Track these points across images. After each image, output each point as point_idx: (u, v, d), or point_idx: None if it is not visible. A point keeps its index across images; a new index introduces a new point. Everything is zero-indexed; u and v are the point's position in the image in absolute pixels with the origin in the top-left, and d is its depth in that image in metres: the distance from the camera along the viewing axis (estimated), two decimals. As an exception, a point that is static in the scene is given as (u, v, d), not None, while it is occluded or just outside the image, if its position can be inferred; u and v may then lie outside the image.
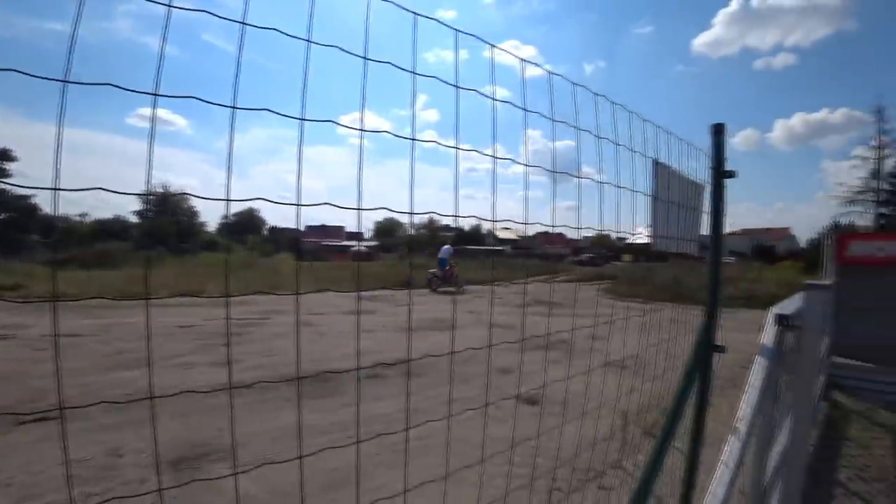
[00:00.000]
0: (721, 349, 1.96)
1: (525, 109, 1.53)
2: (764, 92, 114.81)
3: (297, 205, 1.14)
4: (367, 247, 70.64)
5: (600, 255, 61.51)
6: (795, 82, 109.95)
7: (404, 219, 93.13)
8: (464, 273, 21.52)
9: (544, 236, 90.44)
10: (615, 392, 5.01)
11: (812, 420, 4.52)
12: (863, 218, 27.34)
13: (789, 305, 1.79)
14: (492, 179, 1.61)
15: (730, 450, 1.07)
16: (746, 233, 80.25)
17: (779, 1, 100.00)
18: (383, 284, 19.76)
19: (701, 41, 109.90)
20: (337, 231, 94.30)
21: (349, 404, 5.42)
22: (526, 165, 1.63)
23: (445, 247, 21.34)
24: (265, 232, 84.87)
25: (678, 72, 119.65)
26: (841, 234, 6.52)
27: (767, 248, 62.30)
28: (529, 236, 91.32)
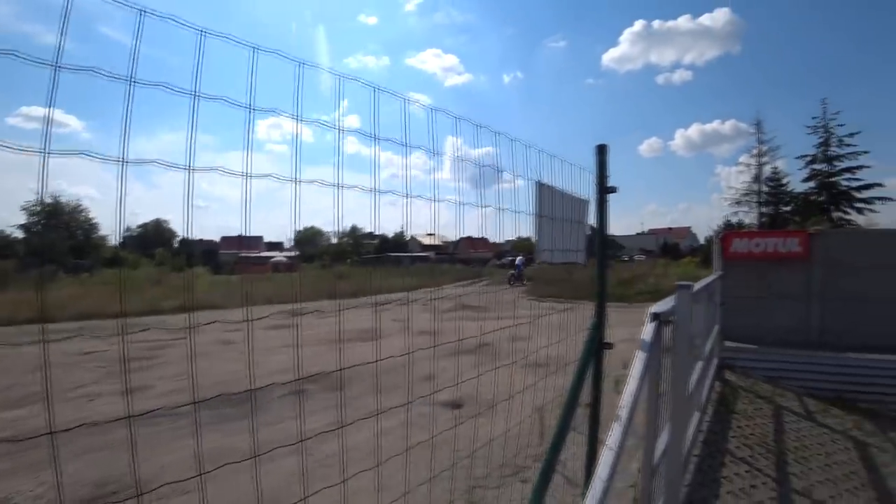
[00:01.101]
0: (609, 346, 2.17)
1: (375, 137, 1.63)
2: (665, 104, 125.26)
3: (187, 168, 1.14)
4: (287, 257, 68.28)
5: (524, 257, 63.71)
6: (692, 96, 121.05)
7: (327, 227, 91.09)
8: (388, 281, 21.45)
9: (469, 241, 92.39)
10: (533, 389, 5.27)
11: (707, 398, 5.03)
12: (748, 216, 30.53)
13: (665, 304, 2.03)
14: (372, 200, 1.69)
15: (612, 434, 1.22)
16: (653, 232, 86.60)
17: (675, 24, 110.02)
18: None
19: (609, 56, 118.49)
20: (255, 242, 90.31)
21: (272, 423, 5.27)
22: (378, 192, 1.73)
23: (520, 257, 28.52)
24: (175, 244, 79.49)
25: (589, 84, 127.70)
26: (725, 233, 7.31)
27: (673, 246, 67.54)
28: (454, 241, 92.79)
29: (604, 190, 2.30)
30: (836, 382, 6.16)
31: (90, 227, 46.70)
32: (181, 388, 6.71)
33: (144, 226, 77.19)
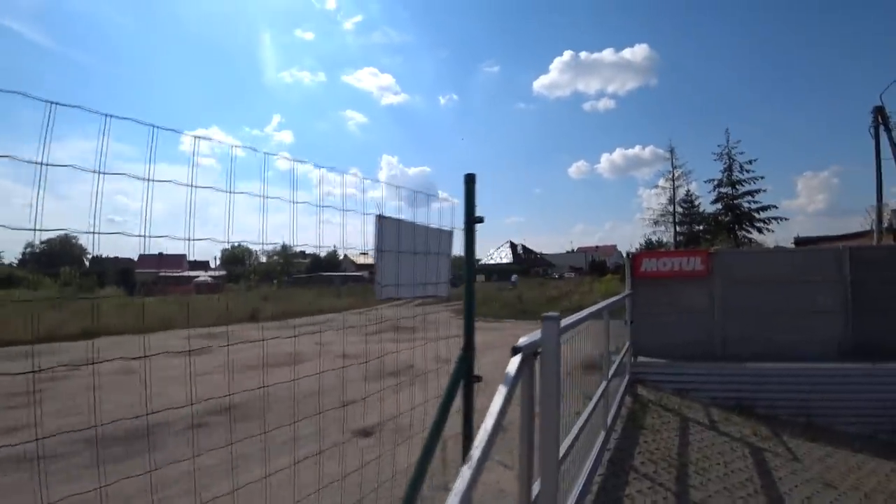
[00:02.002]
0: (478, 378, 2.09)
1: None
2: (591, 129, 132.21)
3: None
4: (212, 277, 64.89)
5: (457, 276, 64.17)
6: (615, 123, 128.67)
7: (256, 246, 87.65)
8: (316, 301, 20.77)
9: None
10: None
11: (616, 415, 5.11)
12: (666, 235, 32.60)
13: (532, 336, 1.96)
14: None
15: (460, 476, 1.10)
16: (582, 250, 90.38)
17: (601, 56, 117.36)
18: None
19: (540, 83, 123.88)
20: (177, 260, 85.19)
21: (168, 461, 4.78)
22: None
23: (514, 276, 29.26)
24: (86, 263, 73.25)
25: (521, 108, 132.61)
26: (635, 254, 7.63)
27: (600, 263, 70.71)
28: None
29: (472, 220, 2.24)
30: (737, 391, 6.52)
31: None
32: (69, 424, 5.98)
33: (49, 241, 70.23)
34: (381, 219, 2.04)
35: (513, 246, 78.17)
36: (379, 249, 2.03)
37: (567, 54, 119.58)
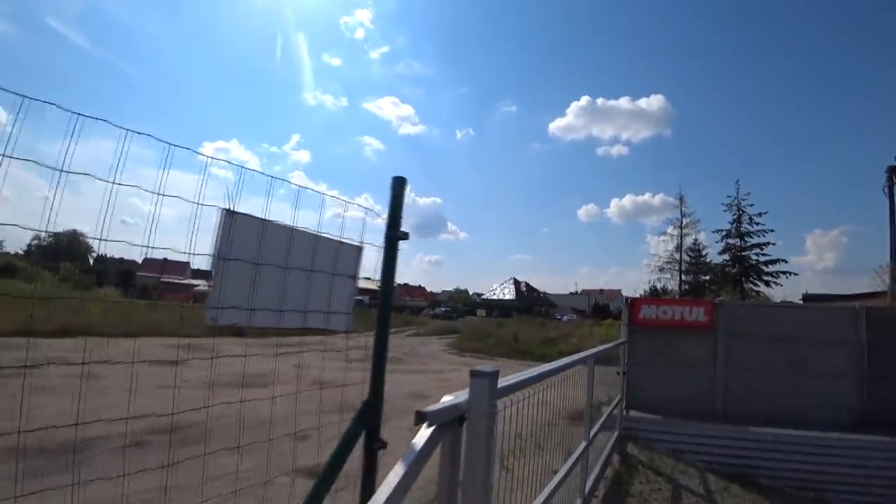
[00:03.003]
0: (382, 444, 1.60)
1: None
2: (603, 174, 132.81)
3: None
4: (210, 286, 64.39)
5: (456, 308, 63.48)
6: (627, 169, 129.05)
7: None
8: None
9: (405, 288, 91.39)
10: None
11: (599, 478, 4.50)
12: (670, 283, 31.90)
13: (458, 396, 1.45)
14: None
15: None
16: (586, 293, 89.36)
17: (617, 104, 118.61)
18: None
19: (556, 125, 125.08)
20: (181, 267, 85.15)
21: (84, 482, 4.22)
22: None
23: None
24: (91, 261, 73.15)
25: (535, 148, 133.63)
26: (633, 299, 7.09)
27: (604, 307, 69.63)
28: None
29: (395, 235, 1.78)
30: (738, 457, 5.88)
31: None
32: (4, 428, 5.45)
33: (58, 236, 70.42)
34: (229, 214, 1.56)
35: (516, 283, 77.40)
36: (221, 257, 1.55)
37: (584, 99, 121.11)
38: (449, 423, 1.26)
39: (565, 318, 60.05)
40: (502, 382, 1.54)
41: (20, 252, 60.18)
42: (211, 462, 4.84)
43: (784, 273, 27.12)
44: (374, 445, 1.61)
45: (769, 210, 28.44)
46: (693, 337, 6.74)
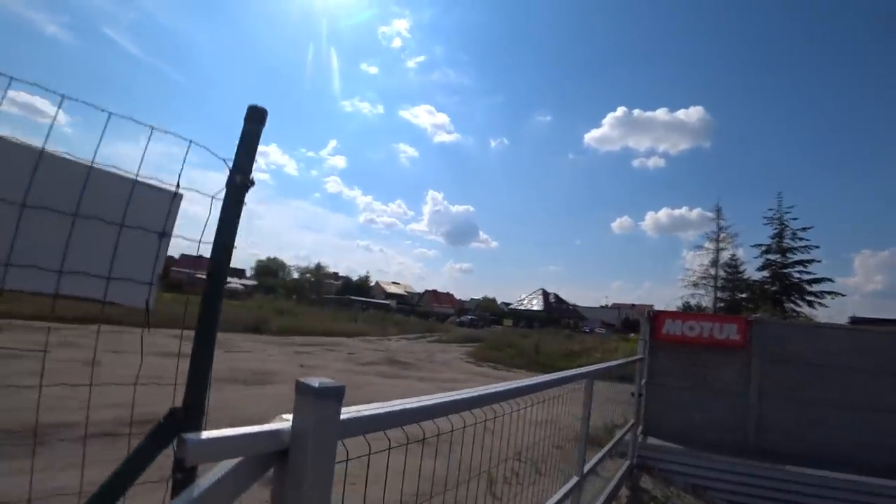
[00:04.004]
0: (191, 473, 1.07)
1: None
2: (639, 186, 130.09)
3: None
4: (244, 285, 65.62)
5: (482, 317, 62.58)
6: (663, 182, 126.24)
7: (288, 260, 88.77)
8: (328, 323, 19.93)
9: (434, 294, 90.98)
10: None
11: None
12: (704, 300, 30.27)
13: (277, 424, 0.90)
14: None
15: None
16: (617, 307, 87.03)
17: (654, 115, 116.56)
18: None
19: (591, 136, 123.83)
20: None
21: (41, 469, 3.87)
22: None
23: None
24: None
25: (570, 159, 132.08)
26: (656, 311, 6.35)
27: (635, 322, 67.55)
28: (418, 293, 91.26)
29: (240, 183, 1.24)
30: (772, 499, 5.10)
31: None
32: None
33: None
34: None
35: (545, 294, 76.00)
36: None
37: (620, 110, 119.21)
38: (262, 457, 0.74)
39: (595, 330, 58.38)
40: (370, 410, 1.00)
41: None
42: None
43: (829, 293, 25.28)
44: (177, 476, 1.09)
45: (814, 225, 26.58)
46: (723, 357, 5.97)
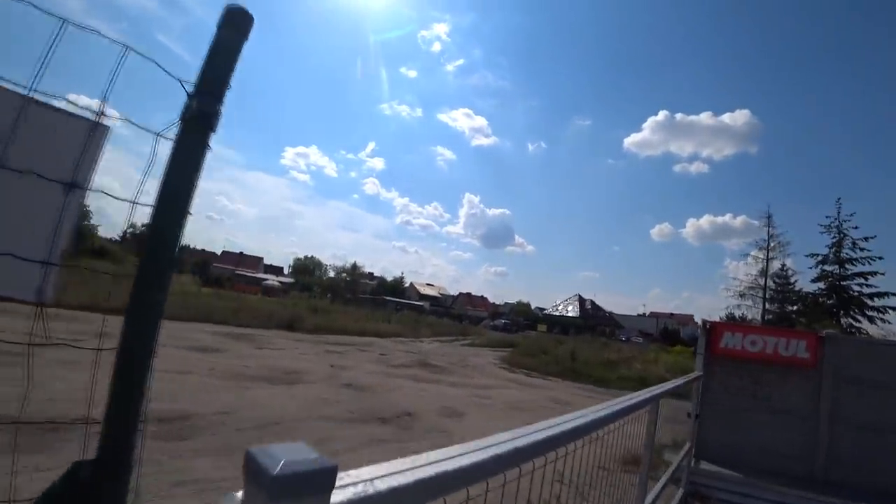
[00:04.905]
0: None
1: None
2: (680, 193, 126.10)
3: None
4: (281, 282, 66.94)
5: (516, 321, 61.69)
6: (706, 188, 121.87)
7: (325, 259, 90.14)
8: (362, 323, 19.79)
9: (468, 297, 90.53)
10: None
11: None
12: (751, 312, 28.69)
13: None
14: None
15: None
16: (654, 315, 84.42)
17: (698, 119, 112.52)
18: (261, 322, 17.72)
19: (631, 140, 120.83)
20: (254, 262, 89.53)
21: (46, 467, 3.70)
22: None
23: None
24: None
25: (609, 164, 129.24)
26: (714, 323, 5.78)
27: (674, 332, 65.22)
28: (452, 295, 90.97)
29: (202, 110, 0.89)
30: (844, 541, 4.51)
31: (82, 213, 45.62)
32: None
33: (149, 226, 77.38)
34: None
35: (581, 300, 74.38)
36: None
37: (662, 114, 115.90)
38: None
39: (631, 338, 56.62)
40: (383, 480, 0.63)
41: (116, 238, 65.70)
42: (187, 464, 4.21)
43: (893, 308, 23.44)
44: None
45: (876, 235, 24.61)
46: (789, 377, 5.37)
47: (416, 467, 0.76)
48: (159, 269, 0.91)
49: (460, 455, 0.86)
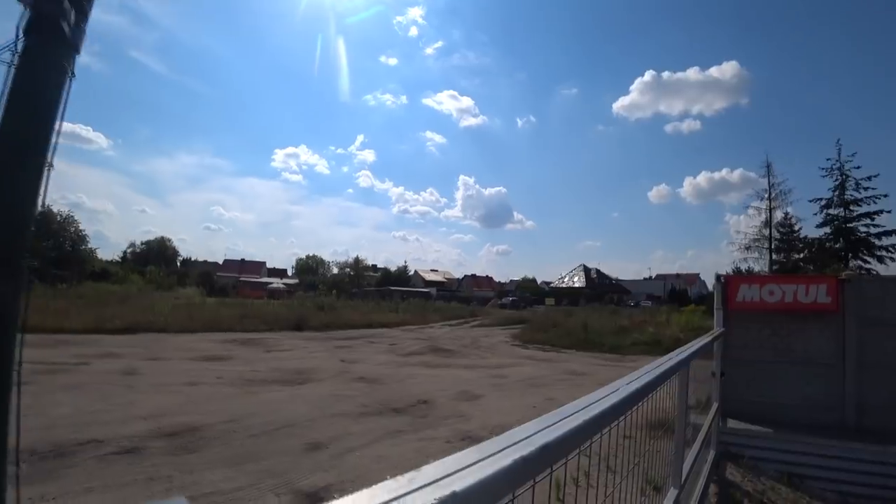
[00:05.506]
0: None
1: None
2: (674, 152, 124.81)
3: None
4: (286, 284, 66.85)
5: (523, 297, 61.59)
6: (700, 145, 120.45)
7: (327, 256, 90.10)
8: (368, 315, 19.66)
9: (473, 279, 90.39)
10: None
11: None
12: (759, 264, 28.43)
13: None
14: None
15: None
16: (661, 278, 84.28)
17: (685, 76, 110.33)
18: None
19: (620, 105, 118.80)
20: (257, 267, 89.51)
21: (42, 498, 3.55)
22: None
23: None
24: (178, 264, 78.60)
25: (600, 131, 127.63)
26: (729, 276, 5.57)
27: (681, 293, 65.09)
28: (458, 279, 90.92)
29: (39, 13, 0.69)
30: (882, 487, 4.36)
31: (79, 238, 45.40)
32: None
33: (148, 243, 77.62)
34: None
35: (586, 270, 74.18)
36: None
37: (648, 74, 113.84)
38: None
39: (640, 303, 56.55)
40: None
41: (117, 258, 65.67)
42: (198, 477, 4.06)
43: (903, 246, 23.14)
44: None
45: (880, 173, 24.16)
46: (812, 325, 5.18)
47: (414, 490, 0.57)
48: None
49: (468, 467, 0.66)
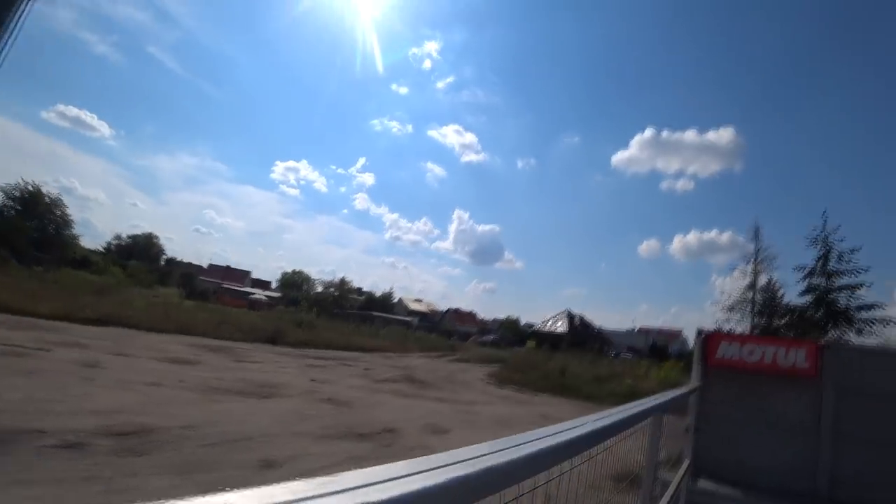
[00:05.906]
0: None
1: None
2: (667, 209, 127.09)
3: None
4: (268, 296, 65.96)
5: (505, 337, 61.21)
6: (692, 205, 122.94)
7: (314, 274, 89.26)
8: (348, 337, 19.33)
9: (456, 313, 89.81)
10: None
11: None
12: (740, 325, 28.48)
13: None
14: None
15: None
16: (643, 331, 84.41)
17: (683, 136, 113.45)
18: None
19: (618, 157, 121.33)
20: (241, 275, 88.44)
21: None
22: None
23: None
24: (162, 262, 77.53)
25: (597, 180, 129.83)
26: (709, 333, 5.53)
27: (662, 348, 65.09)
28: (441, 311, 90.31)
29: None
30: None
31: (64, 222, 44.48)
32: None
33: (135, 237, 76.65)
34: None
35: (570, 316, 74.01)
36: None
37: (649, 131, 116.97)
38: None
39: (621, 354, 56.36)
40: None
41: (101, 249, 64.50)
42: (141, 482, 3.81)
43: (884, 321, 23.33)
44: None
45: (863, 246, 24.51)
46: (789, 389, 5.11)
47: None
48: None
49: (395, 479, 0.57)
